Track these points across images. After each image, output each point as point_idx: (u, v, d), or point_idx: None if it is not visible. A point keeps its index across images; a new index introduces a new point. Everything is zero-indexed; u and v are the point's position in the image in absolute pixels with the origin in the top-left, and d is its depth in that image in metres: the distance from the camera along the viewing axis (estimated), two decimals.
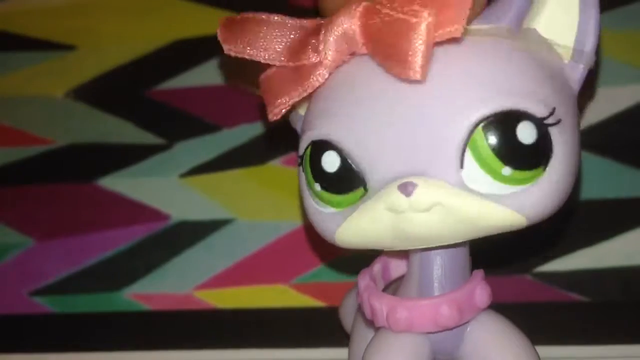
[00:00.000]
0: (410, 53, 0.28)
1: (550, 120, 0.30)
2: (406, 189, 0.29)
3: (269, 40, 0.33)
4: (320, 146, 0.31)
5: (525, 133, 0.29)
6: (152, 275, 0.50)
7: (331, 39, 0.31)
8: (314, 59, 0.31)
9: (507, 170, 0.29)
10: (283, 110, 0.33)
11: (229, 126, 0.50)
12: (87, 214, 0.50)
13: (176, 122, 0.50)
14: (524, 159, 0.29)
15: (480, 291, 0.33)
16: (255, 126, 0.50)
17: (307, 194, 0.33)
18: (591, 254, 0.46)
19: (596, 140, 0.46)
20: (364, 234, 0.31)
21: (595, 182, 0.46)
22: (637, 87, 0.47)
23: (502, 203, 0.29)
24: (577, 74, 0.32)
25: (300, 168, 0.33)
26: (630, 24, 0.47)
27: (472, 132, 0.29)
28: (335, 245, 0.33)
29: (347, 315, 0.41)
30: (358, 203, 0.31)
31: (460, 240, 0.31)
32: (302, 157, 0.33)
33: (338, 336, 0.46)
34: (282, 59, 0.32)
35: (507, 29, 0.31)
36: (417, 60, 0.28)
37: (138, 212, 0.50)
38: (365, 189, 0.31)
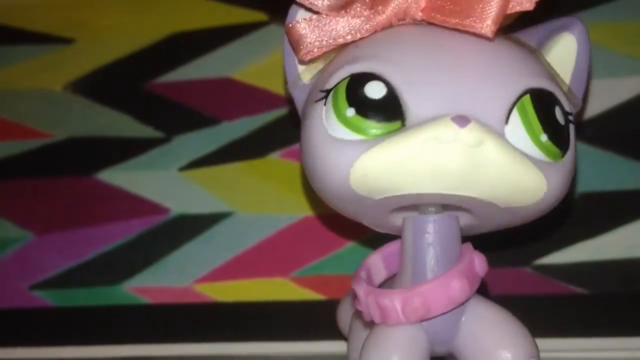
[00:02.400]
0: (484, 8, 0.31)
1: (571, 118, 0.33)
2: (460, 121, 0.30)
3: None
4: (364, 76, 0.32)
5: (559, 115, 0.33)
6: (152, 268, 0.50)
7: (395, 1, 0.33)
8: (364, 14, 0.33)
9: (544, 137, 0.32)
10: (317, 53, 0.34)
11: (228, 119, 0.50)
12: (87, 207, 0.50)
13: (175, 115, 0.50)
14: (557, 134, 0.32)
15: (478, 259, 0.33)
16: (254, 119, 0.50)
17: (321, 128, 0.32)
18: (591, 246, 0.46)
19: (596, 132, 0.46)
20: (391, 162, 0.31)
21: (595, 174, 0.46)
22: (637, 78, 0.47)
23: (535, 164, 0.31)
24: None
25: (320, 103, 0.33)
26: (629, 15, 0.47)
27: (521, 96, 0.32)
28: (341, 183, 0.32)
29: (345, 318, 0.41)
30: (393, 134, 0.31)
31: (479, 197, 0.31)
32: (328, 91, 0.33)
33: (338, 329, 0.46)
34: (325, 9, 0.33)
35: (534, 46, 0.35)
36: (492, 13, 0.31)
37: (137, 205, 0.50)
38: (403, 124, 0.31)
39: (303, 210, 0.48)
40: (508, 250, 0.46)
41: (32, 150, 0.51)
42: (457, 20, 0.32)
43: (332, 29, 0.33)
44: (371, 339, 0.33)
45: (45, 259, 0.50)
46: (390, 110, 0.31)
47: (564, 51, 0.36)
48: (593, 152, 0.46)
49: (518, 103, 0.32)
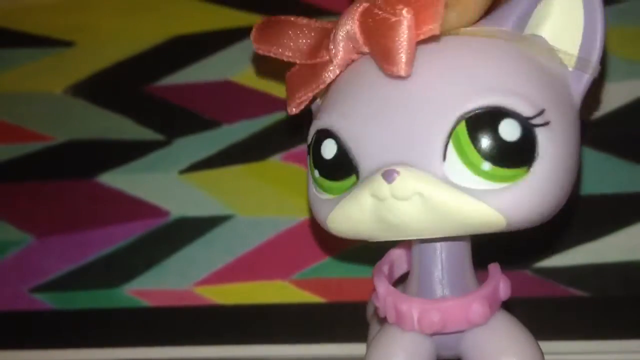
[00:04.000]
0: (394, 50, 0.30)
1: (537, 121, 0.30)
2: (388, 175, 0.30)
3: (294, 40, 0.34)
4: (322, 134, 0.33)
5: (508, 130, 0.30)
6: (152, 271, 0.50)
7: (339, 39, 0.32)
8: (326, 57, 0.33)
9: (486, 166, 0.30)
10: (302, 105, 0.34)
11: (229, 122, 0.50)
12: (87, 210, 0.50)
13: (175, 118, 0.50)
14: (505, 155, 0.30)
15: (503, 285, 0.33)
16: (255, 122, 0.50)
17: (309, 180, 0.34)
18: (591, 249, 0.46)
19: (596, 135, 0.46)
20: (350, 220, 0.32)
21: (595, 177, 0.46)
22: (637, 82, 0.47)
23: (481, 199, 0.29)
24: (580, 83, 0.32)
25: (308, 157, 0.34)
26: (628, 19, 0.47)
27: (455, 125, 0.30)
28: (330, 231, 0.33)
29: (371, 310, 0.42)
30: (348, 191, 0.32)
31: (441, 235, 0.31)
32: (308, 146, 0.34)
33: (338, 332, 0.46)
34: (303, 57, 0.34)
35: (509, 32, 0.32)
36: (401, 56, 0.30)
37: (137, 208, 0.50)
38: (357, 178, 0.32)
39: (303, 213, 0.48)
40: (508, 253, 0.46)
41: (33, 153, 0.51)
42: (379, 62, 0.31)
43: (304, 81, 0.34)
44: (378, 339, 0.33)
45: (45, 261, 0.50)
46: (342, 169, 0.32)
47: (567, 8, 0.32)
48: (593, 155, 0.46)
49: (453, 135, 0.30)
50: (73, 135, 0.51)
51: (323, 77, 0.33)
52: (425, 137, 0.30)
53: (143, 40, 0.51)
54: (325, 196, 0.33)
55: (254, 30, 0.36)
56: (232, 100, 0.50)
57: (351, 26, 0.32)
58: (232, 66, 0.50)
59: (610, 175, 0.46)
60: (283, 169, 0.49)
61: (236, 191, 0.49)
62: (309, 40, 0.34)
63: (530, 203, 0.30)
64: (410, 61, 0.30)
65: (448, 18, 0.31)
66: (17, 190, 0.51)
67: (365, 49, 0.32)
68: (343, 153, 0.32)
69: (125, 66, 0.51)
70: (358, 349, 0.43)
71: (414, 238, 0.32)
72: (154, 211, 0.50)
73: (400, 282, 0.37)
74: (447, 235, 0.31)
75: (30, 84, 0.52)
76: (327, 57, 0.33)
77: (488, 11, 0.32)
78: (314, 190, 0.34)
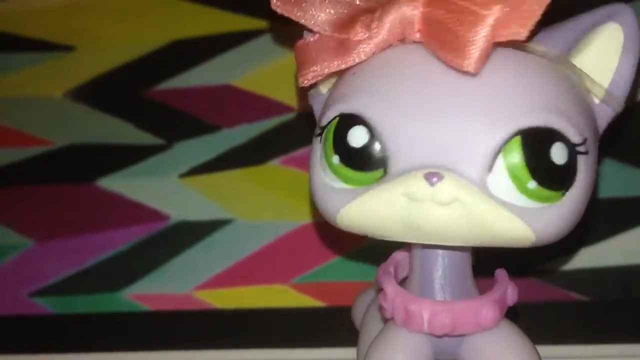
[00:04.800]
0: (470, 43, 0.29)
1: (581, 149, 0.30)
2: (432, 178, 0.29)
3: (319, 8, 0.33)
4: (350, 119, 0.31)
5: (559, 153, 0.30)
6: (152, 275, 0.50)
7: (388, 19, 0.31)
8: (362, 35, 0.32)
9: (532, 184, 0.30)
10: (317, 79, 0.33)
11: (228, 126, 0.50)
12: (87, 214, 0.50)
13: (175, 122, 0.50)
14: (552, 178, 0.30)
15: (511, 290, 0.33)
16: (254, 126, 0.50)
17: (317, 167, 0.32)
18: (591, 253, 0.46)
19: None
20: (372, 216, 0.31)
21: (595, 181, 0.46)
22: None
23: (518, 215, 0.29)
24: (604, 116, 0.33)
25: (318, 139, 0.32)
26: None
27: (509, 139, 0.29)
28: (336, 222, 0.32)
29: (360, 312, 0.41)
30: (373, 184, 0.31)
31: (466, 244, 0.31)
32: (323, 128, 0.32)
33: (338, 336, 0.46)
34: (327, 28, 0.32)
35: (555, 54, 0.32)
36: (476, 51, 0.29)
37: (137, 212, 0.50)
38: (385, 172, 0.30)
39: (303, 217, 0.48)
40: (508, 258, 0.46)
41: (33, 157, 0.51)
42: (443, 53, 0.30)
43: (331, 53, 0.32)
44: (378, 340, 0.33)
45: (45, 266, 0.50)
46: (372, 159, 0.31)
47: (606, 46, 0.32)
48: None
49: (505, 147, 0.29)
50: (73, 139, 0.51)
51: (353, 54, 0.32)
52: (476, 144, 0.29)
53: (143, 44, 0.51)
54: (340, 185, 0.31)
55: None
56: (231, 104, 0.50)
57: (411, 10, 0.31)
58: (231, 70, 0.50)
59: (611, 179, 0.46)
60: (282, 173, 0.49)
61: (236, 195, 0.49)
62: (337, 13, 0.33)
63: (559, 225, 0.30)
64: (483, 59, 0.29)
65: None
66: (17, 195, 0.51)
67: (416, 37, 0.31)
68: (374, 144, 0.30)
69: (125, 70, 0.51)
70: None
71: (432, 242, 0.31)
72: (154, 215, 0.50)
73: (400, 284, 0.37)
74: (470, 244, 0.31)
75: (31, 88, 0.52)
76: (363, 35, 0.32)
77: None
78: (324, 177, 0.32)
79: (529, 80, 0.30)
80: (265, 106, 0.50)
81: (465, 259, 0.34)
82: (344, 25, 0.32)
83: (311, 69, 0.32)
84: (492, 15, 0.28)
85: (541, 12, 0.28)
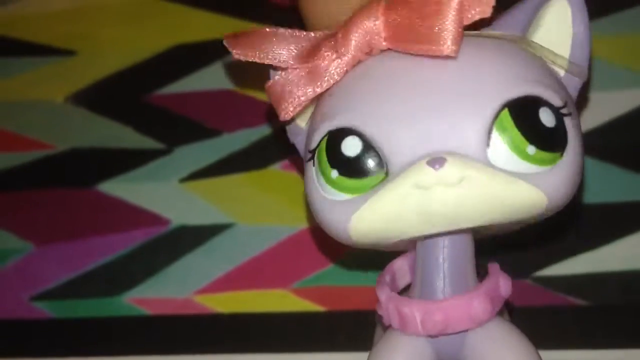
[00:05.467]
0: (441, 30, 0.30)
1: (564, 111, 0.32)
2: (435, 163, 0.30)
3: (279, 48, 0.34)
4: (340, 134, 0.32)
5: (546, 117, 0.31)
6: (152, 280, 0.49)
7: (353, 36, 0.32)
8: (330, 57, 0.33)
9: (531, 149, 0.31)
10: (298, 108, 0.34)
11: (229, 131, 0.50)
12: (87, 219, 0.50)
13: (176, 127, 0.50)
14: (547, 140, 0.31)
15: (503, 281, 0.34)
16: (255, 131, 0.50)
17: (315, 188, 0.33)
18: (591, 258, 0.46)
19: (596, 144, 0.46)
20: (386, 216, 0.31)
21: (595, 186, 0.46)
22: (636, 91, 0.47)
23: (528, 180, 0.31)
24: (572, 87, 0.34)
25: (310, 163, 0.33)
26: (628, 28, 0.47)
27: (499, 112, 0.31)
28: (345, 239, 0.33)
29: None
30: (378, 187, 0.31)
31: (484, 223, 0.31)
32: (313, 151, 0.33)
33: (339, 340, 0.46)
34: (292, 62, 0.34)
35: (519, 36, 0.33)
36: (449, 36, 0.30)
37: (138, 217, 0.50)
38: (386, 174, 0.31)
39: (304, 222, 0.48)
40: (508, 262, 0.46)
41: (33, 161, 0.51)
42: (418, 46, 0.31)
43: (304, 83, 0.33)
44: (378, 347, 0.34)
45: (45, 270, 0.50)
46: (370, 164, 0.32)
47: (558, 19, 0.34)
48: (593, 164, 0.46)
49: (496, 121, 0.31)
50: (74, 143, 0.51)
51: (326, 77, 0.33)
52: (468, 125, 0.30)
53: (144, 49, 0.51)
54: (343, 197, 0.32)
55: (225, 39, 0.35)
56: (232, 108, 0.50)
57: (373, 22, 0.32)
58: (232, 75, 0.50)
59: (610, 185, 0.46)
60: (283, 177, 0.49)
61: (236, 200, 0.49)
62: (296, 47, 0.34)
63: (567, 184, 0.32)
64: (458, 42, 0.30)
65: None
66: (17, 199, 0.51)
67: (384, 45, 0.32)
68: (368, 150, 0.31)
69: (126, 75, 0.51)
70: (359, 357, 0.43)
71: (452, 228, 0.31)
72: (155, 219, 0.50)
73: (404, 292, 0.37)
74: (487, 222, 0.31)
75: (32, 92, 0.52)
76: (331, 57, 0.33)
77: (485, 21, 0.33)
78: (324, 193, 0.33)
79: (500, 58, 0.32)
80: (266, 111, 0.50)
81: (467, 253, 0.34)
82: (309, 55, 0.33)
83: (289, 102, 0.33)
84: (454, 1, 0.30)
85: None
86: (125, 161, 0.50)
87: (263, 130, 0.50)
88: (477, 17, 0.30)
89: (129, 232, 0.50)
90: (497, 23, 0.34)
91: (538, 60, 0.33)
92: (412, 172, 0.30)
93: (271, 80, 0.35)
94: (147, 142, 0.51)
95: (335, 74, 0.33)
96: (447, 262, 0.33)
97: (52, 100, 0.52)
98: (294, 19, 0.41)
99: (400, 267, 0.37)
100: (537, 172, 0.31)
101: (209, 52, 0.51)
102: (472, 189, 0.30)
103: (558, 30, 0.34)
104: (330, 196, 0.33)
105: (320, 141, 0.33)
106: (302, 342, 0.47)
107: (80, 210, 0.51)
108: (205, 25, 0.51)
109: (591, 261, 0.46)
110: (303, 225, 0.49)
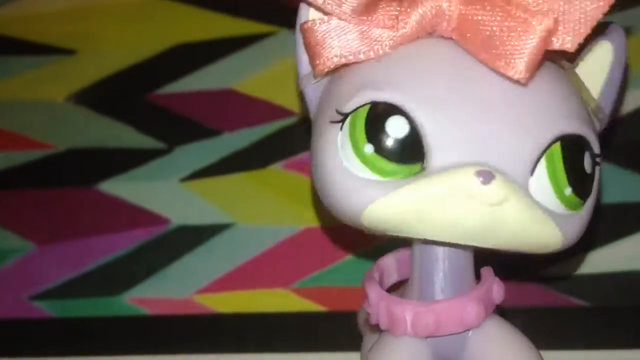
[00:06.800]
0: (518, 52, 0.28)
1: (598, 160, 0.31)
2: (486, 176, 0.28)
3: None
4: (387, 109, 0.30)
5: (588, 162, 0.31)
6: (152, 279, 0.49)
7: (419, 11, 0.30)
8: (388, 24, 0.30)
9: (568, 191, 0.30)
10: (337, 66, 0.31)
11: (230, 130, 0.50)
12: (87, 218, 0.50)
13: (176, 126, 0.50)
14: (582, 185, 0.31)
15: (496, 287, 0.33)
16: (255, 130, 0.50)
17: (335, 155, 0.31)
18: (593, 258, 0.46)
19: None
20: (409, 210, 0.29)
21: None
22: (638, 91, 0.47)
23: (554, 220, 0.30)
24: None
25: (337, 126, 0.31)
26: (631, 27, 0.47)
27: (552, 143, 0.30)
28: (353, 218, 0.31)
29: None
30: (412, 178, 0.29)
31: (495, 248, 0.31)
32: (347, 115, 0.31)
33: (339, 340, 0.46)
34: (349, 12, 0.31)
35: (570, 68, 0.32)
36: (524, 62, 0.28)
37: (138, 216, 0.50)
38: (423, 167, 0.30)
39: (304, 222, 0.48)
40: (509, 263, 0.46)
41: (34, 161, 0.51)
42: (487, 57, 0.29)
43: (352, 40, 0.31)
44: (376, 350, 0.33)
45: (45, 269, 0.50)
46: (411, 152, 0.30)
47: (598, 60, 0.33)
48: None
49: (547, 152, 0.30)
50: (74, 143, 0.51)
51: (378, 45, 0.30)
52: (522, 146, 0.29)
53: (145, 48, 0.51)
54: (371, 176, 0.30)
55: None
56: (233, 108, 0.50)
57: (448, 6, 0.30)
58: (233, 74, 0.50)
59: (612, 185, 0.46)
60: (284, 177, 0.49)
61: (237, 199, 0.49)
62: None
63: (581, 232, 0.32)
64: (533, 69, 0.29)
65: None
66: (18, 198, 0.51)
67: (449, 34, 0.30)
68: (416, 136, 0.29)
69: (127, 74, 0.51)
70: (358, 357, 0.43)
71: (466, 243, 0.31)
72: (155, 219, 0.50)
73: (391, 291, 0.37)
74: (498, 247, 0.31)
75: (32, 92, 0.52)
76: (387, 24, 0.30)
77: None
78: (347, 164, 0.30)
79: (564, 89, 0.31)
80: (266, 110, 0.50)
81: (466, 261, 0.33)
82: (367, 12, 0.31)
83: (328, 57, 0.31)
84: (543, 25, 0.28)
85: (593, 23, 0.28)
86: (125, 161, 0.50)
87: (263, 130, 0.50)
88: (559, 48, 0.29)
89: (129, 232, 0.50)
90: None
91: (581, 89, 0.32)
92: (457, 175, 0.29)
93: (309, 22, 0.31)
94: (148, 142, 0.50)
95: (387, 45, 0.31)
96: (446, 273, 0.33)
97: (52, 100, 0.52)
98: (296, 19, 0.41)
99: (389, 264, 0.37)
100: (563, 214, 0.30)
101: (210, 51, 0.51)
102: (507, 215, 0.29)
103: (594, 72, 0.33)
104: (355, 170, 0.30)
105: (359, 108, 0.30)
106: (302, 342, 0.47)
107: (81, 209, 0.50)
108: (206, 25, 0.51)
109: (593, 262, 0.46)
110: (303, 225, 0.48)
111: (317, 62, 0.31)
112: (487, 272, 0.34)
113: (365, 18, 0.31)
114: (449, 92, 0.30)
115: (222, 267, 0.49)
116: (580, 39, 0.29)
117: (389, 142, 0.30)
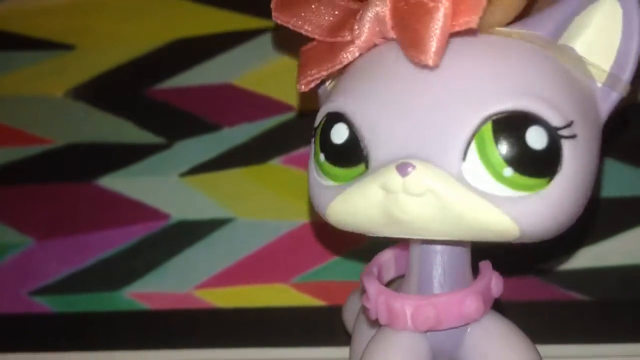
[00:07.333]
0: (425, 37, 0.29)
1: (564, 132, 0.29)
2: (403, 169, 0.28)
3: (315, 15, 0.33)
4: (334, 118, 0.31)
5: (535, 138, 0.29)
6: (152, 274, 0.50)
7: (365, 19, 0.31)
8: (348, 37, 0.32)
9: (508, 171, 0.29)
10: (312, 84, 0.33)
11: (229, 125, 0.50)
12: (87, 213, 0.50)
13: (176, 121, 0.50)
14: (529, 163, 0.29)
15: (495, 281, 0.33)
16: (255, 125, 0.50)
17: (312, 166, 0.33)
18: (592, 252, 0.46)
19: None
20: (353, 210, 0.31)
21: (596, 181, 0.46)
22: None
23: (497, 205, 0.29)
24: (607, 100, 0.31)
25: (312, 140, 0.33)
26: None
27: (481, 125, 0.29)
28: (327, 220, 0.32)
29: (350, 315, 0.41)
30: (356, 179, 0.31)
31: (449, 238, 0.30)
32: (315, 129, 0.33)
33: (338, 335, 0.46)
34: (323, 34, 0.33)
35: (543, 38, 0.30)
36: (432, 45, 0.28)
37: (138, 211, 0.50)
38: (367, 167, 0.31)
39: (303, 217, 0.48)
40: (509, 257, 0.46)
41: (33, 156, 0.51)
42: (406, 50, 0.30)
43: (323, 58, 0.33)
44: (374, 344, 0.33)
45: (45, 264, 0.50)
46: (351, 156, 0.31)
47: (605, 23, 0.31)
48: None
49: (477, 135, 0.29)
50: (73, 138, 0.51)
51: (341, 57, 0.32)
52: (447, 133, 0.29)
53: (144, 43, 0.51)
54: (328, 183, 0.32)
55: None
56: (232, 103, 0.50)
57: (382, 8, 0.31)
58: (232, 69, 0.50)
59: (611, 179, 0.46)
60: (283, 172, 0.49)
61: (236, 194, 0.49)
62: (331, 18, 0.33)
63: (546, 216, 0.29)
64: (441, 51, 0.29)
65: (492, 14, 0.30)
66: (17, 193, 0.51)
67: (392, 34, 0.31)
68: (354, 140, 0.31)
69: (126, 69, 0.51)
70: None
71: (418, 237, 0.31)
72: (154, 214, 0.50)
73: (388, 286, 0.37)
74: (453, 238, 0.30)
75: (31, 87, 0.52)
76: (349, 38, 0.32)
77: (523, 14, 0.31)
78: (316, 175, 0.33)
79: (502, 66, 0.30)
80: (266, 105, 0.50)
81: (465, 257, 0.33)
82: (335, 29, 0.33)
83: (308, 74, 0.33)
84: (441, 7, 0.28)
85: None
86: (125, 156, 0.50)
87: (263, 125, 0.50)
88: (463, 27, 0.28)
89: (129, 227, 0.50)
90: (531, 19, 0.31)
91: (555, 70, 0.30)
92: (381, 173, 0.29)
93: (305, 46, 0.34)
94: (147, 137, 0.50)
95: (348, 55, 0.32)
96: (446, 269, 0.33)
97: (51, 95, 0.52)
98: None
99: (387, 259, 0.37)
100: (511, 197, 0.29)
101: (209, 46, 0.51)
102: (435, 203, 0.29)
103: (603, 36, 0.31)
104: (319, 178, 0.32)
105: (321, 120, 0.32)
106: (301, 336, 0.47)
107: (80, 204, 0.51)
108: (204, 20, 0.51)
109: (592, 256, 0.46)
110: (303, 220, 0.48)
111: (298, 82, 0.33)
112: (485, 266, 0.34)
113: (335, 34, 0.32)
114: (384, 93, 0.30)
115: (221, 262, 0.49)
116: (479, 15, 0.28)
117: (333, 149, 0.31)
